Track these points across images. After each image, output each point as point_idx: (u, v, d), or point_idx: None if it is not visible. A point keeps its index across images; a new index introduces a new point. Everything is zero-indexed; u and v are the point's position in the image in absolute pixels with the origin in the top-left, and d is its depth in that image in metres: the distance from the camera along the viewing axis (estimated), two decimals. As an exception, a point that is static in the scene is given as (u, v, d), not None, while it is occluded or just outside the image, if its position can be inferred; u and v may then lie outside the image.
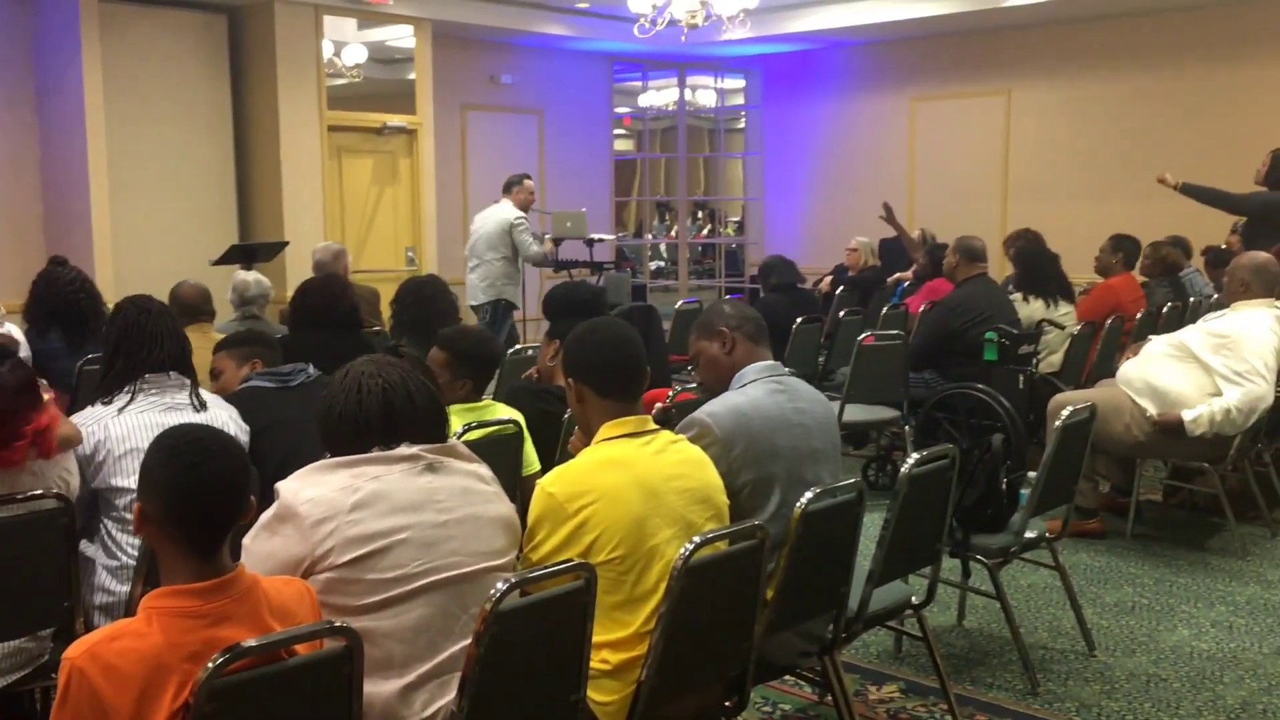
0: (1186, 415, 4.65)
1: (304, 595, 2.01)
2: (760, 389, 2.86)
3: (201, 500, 1.87)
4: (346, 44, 9.67)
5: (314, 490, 2.08)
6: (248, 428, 3.21)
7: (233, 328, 5.04)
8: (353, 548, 2.04)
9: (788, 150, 12.53)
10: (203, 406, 3.11)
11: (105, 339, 3.25)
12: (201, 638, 1.81)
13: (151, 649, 1.78)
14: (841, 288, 8.44)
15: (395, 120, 9.75)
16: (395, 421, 2.17)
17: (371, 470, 2.11)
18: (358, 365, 2.27)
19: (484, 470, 2.28)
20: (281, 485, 2.12)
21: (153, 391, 3.05)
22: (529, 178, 8.58)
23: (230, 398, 3.37)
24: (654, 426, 2.55)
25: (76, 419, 2.98)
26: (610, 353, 2.54)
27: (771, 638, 2.64)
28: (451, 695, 2.07)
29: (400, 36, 9.99)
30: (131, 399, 3.02)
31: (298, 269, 8.10)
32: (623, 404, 2.53)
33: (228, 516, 1.90)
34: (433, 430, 2.24)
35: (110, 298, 4.22)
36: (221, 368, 3.66)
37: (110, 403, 3.02)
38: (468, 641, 2.01)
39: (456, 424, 3.45)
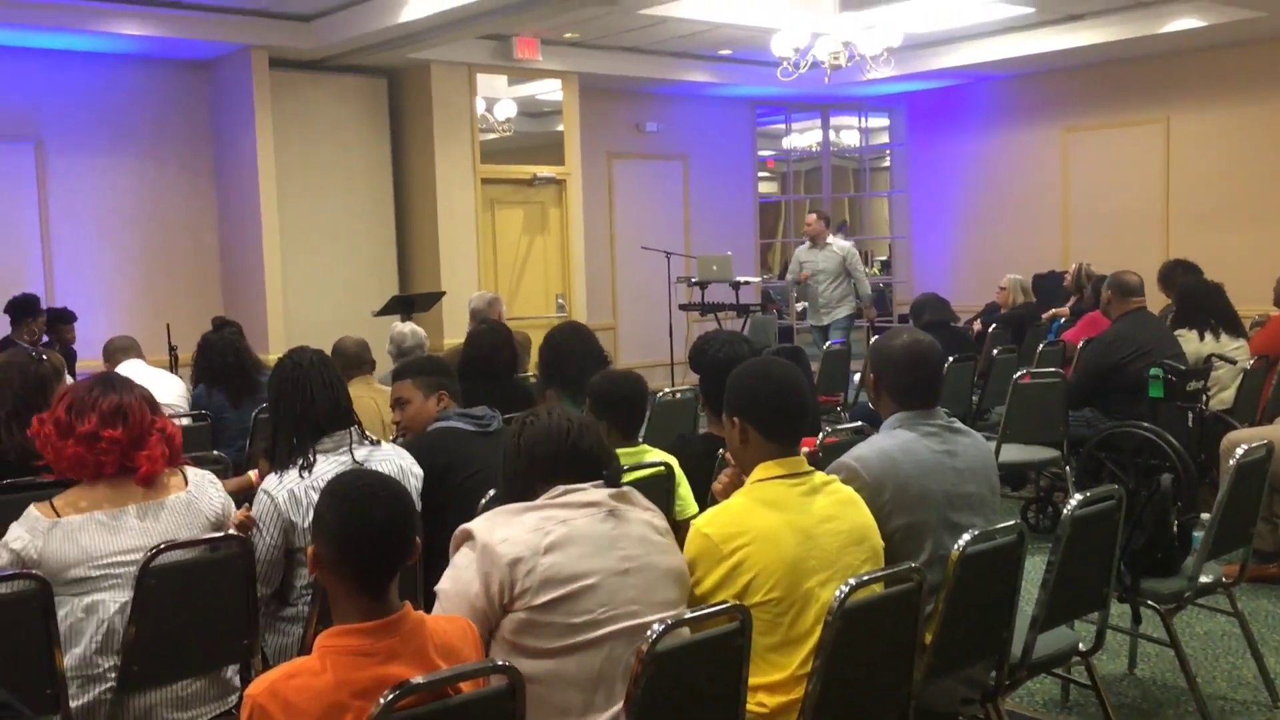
0: None
1: (467, 633, 2.08)
2: (910, 433, 2.81)
3: (369, 544, 1.96)
4: (498, 100, 9.99)
5: (507, 530, 2.17)
6: (421, 472, 3.29)
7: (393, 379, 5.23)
8: (548, 589, 2.11)
9: (934, 187, 12.35)
10: (374, 448, 3.21)
11: (269, 392, 3.40)
12: (372, 675, 1.88)
13: (326, 686, 1.86)
14: (994, 325, 8.25)
15: (545, 171, 10.02)
16: (583, 462, 2.27)
17: (559, 514, 2.20)
18: (545, 410, 2.36)
19: (659, 520, 2.34)
20: (472, 526, 2.20)
21: (331, 451, 3.15)
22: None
23: (428, 436, 3.48)
24: (808, 468, 2.54)
25: (268, 484, 3.09)
26: (781, 395, 2.55)
27: (931, 683, 2.59)
28: None
29: (548, 90, 10.28)
30: (313, 461, 3.13)
31: (454, 318, 8.37)
32: (784, 446, 2.53)
33: (394, 559, 1.99)
34: (611, 476, 2.31)
35: (281, 350, 4.43)
36: (408, 397, 3.68)
37: (294, 469, 3.09)
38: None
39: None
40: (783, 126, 13.95)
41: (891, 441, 2.79)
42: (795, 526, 2.40)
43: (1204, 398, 5.61)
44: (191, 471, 2.96)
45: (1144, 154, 10.62)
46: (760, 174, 13.34)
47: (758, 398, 2.56)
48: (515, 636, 2.11)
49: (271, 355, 5.03)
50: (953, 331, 7.25)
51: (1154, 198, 10.57)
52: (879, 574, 2.41)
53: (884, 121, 13.41)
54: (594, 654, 2.13)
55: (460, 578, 2.16)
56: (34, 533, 2.67)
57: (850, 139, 14.59)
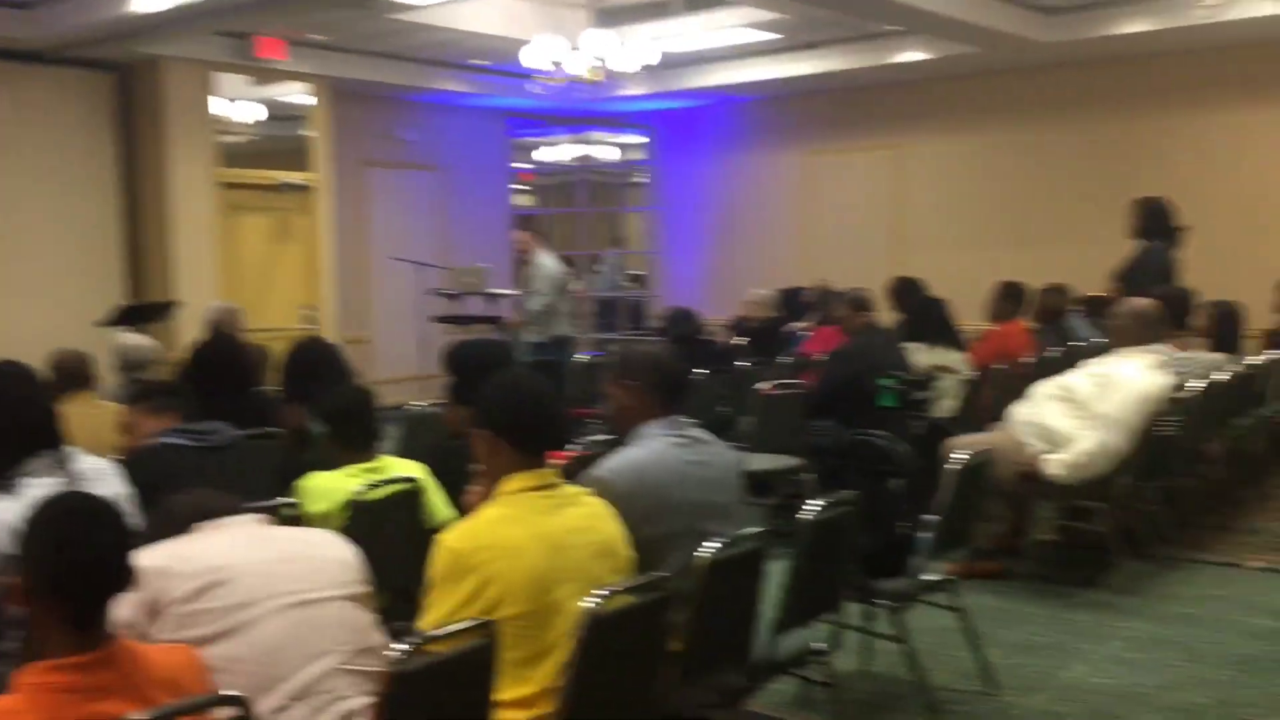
0: (1051, 461, 4.80)
1: (191, 663, 1.95)
2: (661, 443, 2.85)
3: (79, 571, 1.81)
4: (241, 101, 9.55)
5: (153, 551, 2.16)
6: (132, 490, 3.09)
7: (120, 393, 4.89)
8: (186, 581, 2.13)
9: (685, 204, 12.71)
10: (88, 470, 2.98)
11: None
12: (82, 713, 1.74)
13: (30, 727, 1.71)
14: (740, 338, 8.54)
15: (291, 177, 9.64)
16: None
17: (205, 533, 2.26)
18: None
19: (317, 532, 2.46)
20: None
21: (38, 474, 2.89)
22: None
23: (141, 453, 3.27)
24: (558, 480, 2.54)
25: None
26: (531, 407, 2.54)
27: (678, 690, 2.63)
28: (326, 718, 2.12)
29: (297, 94, 9.92)
30: (13, 488, 2.84)
31: (192, 329, 7.92)
32: (534, 458, 2.51)
33: (107, 588, 1.85)
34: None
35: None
36: (135, 423, 3.54)
37: (10, 495, 2.83)
38: (328, 663, 2.14)
39: (355, 484, 3.39)
40: (538, 140, 14.01)
41: (642, 452, 2.83)
42: (544, 538, 2.39)
43: (929, 407, 5.99)
44: None
45: (877, 178, 11.28)
46: (517, 187, 13.33)
47: (508, 410, 2.54)
48: (174, 635, 2.07)
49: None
50: (702, 344, 7.45)
51: (885, 219, 11.24)
52: (628, 584, 2.42)
53: (638, 138, 13.68)
54: (261, 629, 2.12)
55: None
56: None
57: (605, 154, 14.80)
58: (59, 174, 8.61)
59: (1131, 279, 6.74)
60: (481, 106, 11.56)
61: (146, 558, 2.10)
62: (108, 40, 8.11)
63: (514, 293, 9.14)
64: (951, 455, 3.90)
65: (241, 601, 2.13)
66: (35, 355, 3.64)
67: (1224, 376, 5.71)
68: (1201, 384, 5.40)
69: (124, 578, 1.87)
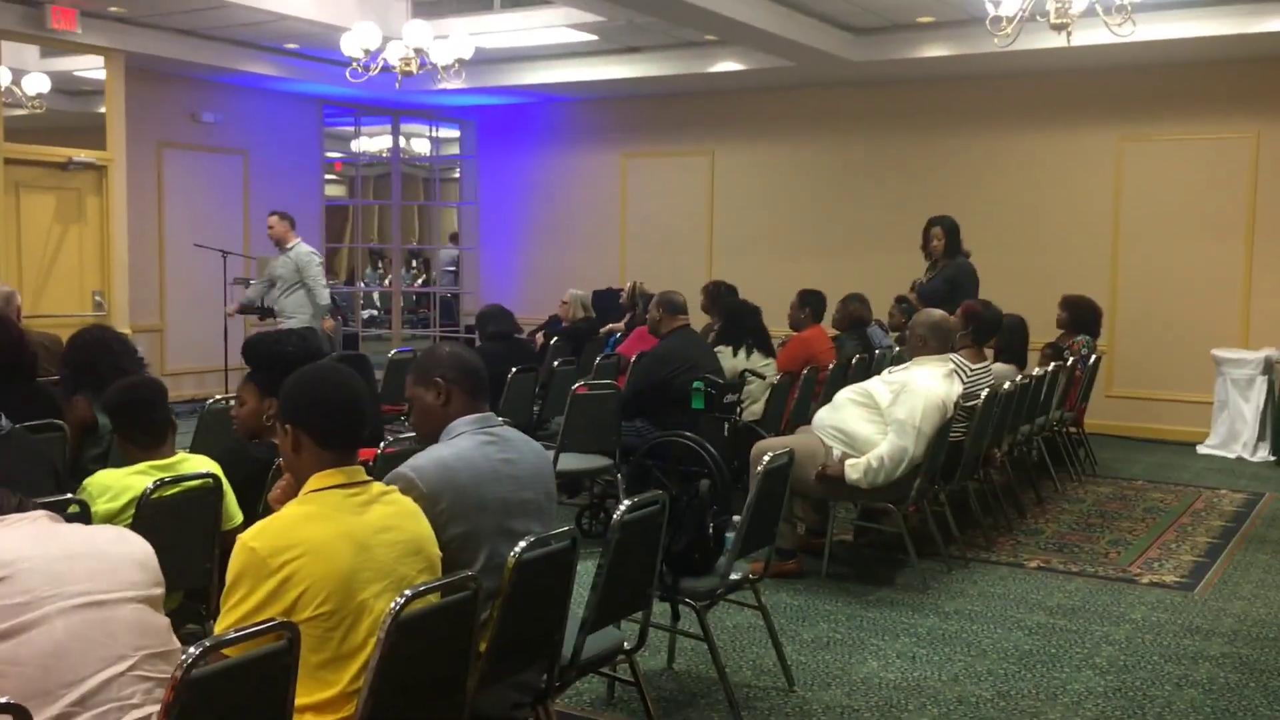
0: (848, 464, 5.00)
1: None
2: (469, 441, 2.82)
3: None
4: (27, 72, 8.95)
5: None
6: None
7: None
8: None
9: (503, 201, 12.63)
10: None
11: None
12: None
13: None
14: (555, 338, 8.55)
15: (82, 155, 9.10)
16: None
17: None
18: None
19: (109, 529, 2.35)
20: None
21: None
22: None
23: None
24: (366, 478, 2.48)
25: None
26: (337, 401, 2.47)
27: (485, 690, 2.61)
28: None
29: (90, 68, 9.36)
30: None
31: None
32: (341, 454, 2.44)
33: None
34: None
35: None
36: None
37: None
38: (120, 668, 2.04)
39: (146, 481, 3.23)
40: (353, 129, 13.66)
41: (449, 450, 2.79)
42: (350, 537, 2.33)
43: (738, 409, 6.14)
44: None
45: (692, 183, 11.48)
46: (328, 176, 12.97)
47: (313, 405, 2.46)
48: None
49: None
50: (516, 343, 7.43)
51: (700, 223, 11.45)
52: (435, 584, 2.38)
53: (455, 133, 13.52)
54: (46, 630, 2.01)
55: None
56: None
57: (421, 147, 14.57)
58: None
59: (952, 294, 7.00)
60: (294, 92, 11.19)
61: None
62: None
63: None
64: (760, 457, 3.99)
65: (24, 600, 2.01)
66: None
67: (1009, 387, 6.05)
68: (988, 393, 5.71)
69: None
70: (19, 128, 8.80)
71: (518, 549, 2.58)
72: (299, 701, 2.17)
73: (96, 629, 2.05)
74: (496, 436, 2.87)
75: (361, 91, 10.09)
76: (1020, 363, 7.14)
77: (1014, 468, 6.88)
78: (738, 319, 6.90)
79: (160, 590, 2.23)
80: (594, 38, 9.68)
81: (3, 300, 5.97)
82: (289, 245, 8.64)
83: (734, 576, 3.87)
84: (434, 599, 2.37)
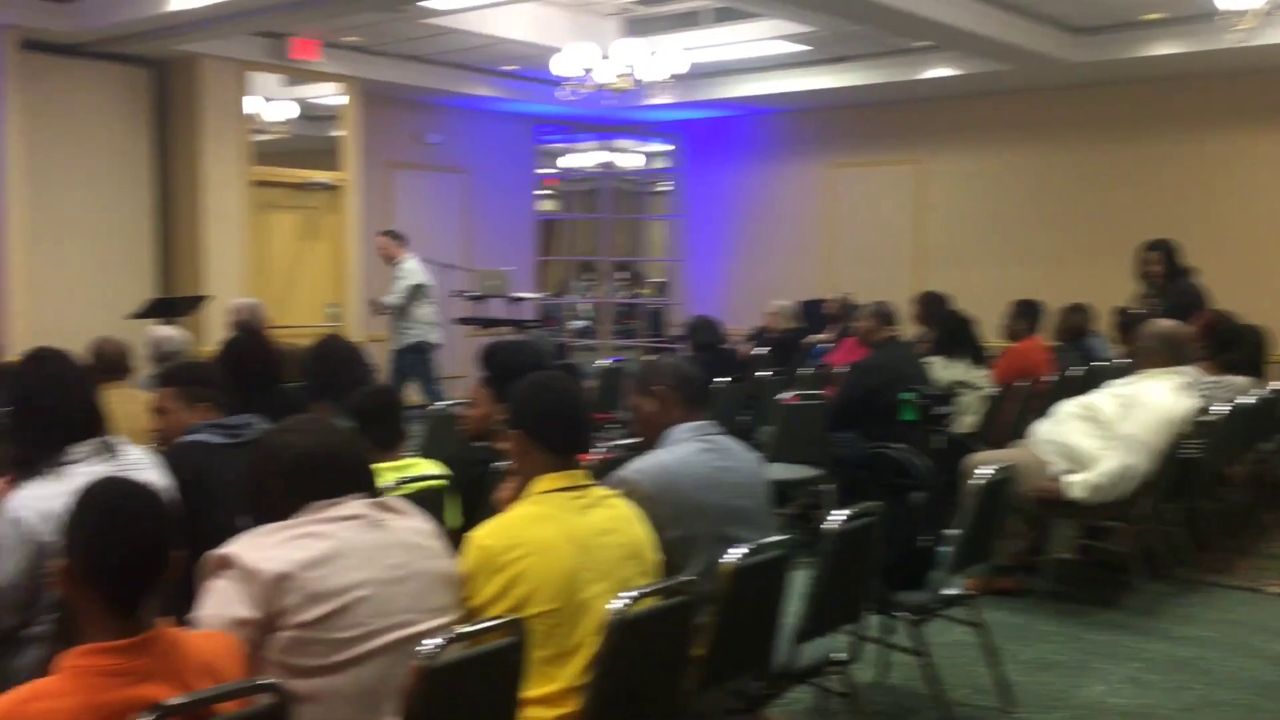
0: (1071, 480, 4.80)
1: (230, 650, 1.98)
2: (689, 447, 2.89)
3: (126, 557, 1.84)
4: (274, 100, 9.64)
5: (267, 549, 2.08)
6: (174, 483, 3.12)
7: (153, 384, 4.94)
8: (317, 605, 2.04)
9: (709, 214, 12.74)
10: (128, 459, 3.01)
11: (9, 395, 3.14)
12: (123, 696, 1.77)
13: (71, 709, 1.74)
14: (762, 348, 8.56)
15: (321, 177, 9.73)
16: (343, 476, 2.21)
17: (321, 529, 2.13)
18: (292, 424, 2.27)
19: (427, 525, 2.31)
20: (228, 550, 2.10)
21: (81, 461, 2.91)
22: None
23: (174, 449, 3.29)
24: (589, 482, 2.57)
25: (9, 503, 2.82)
26: (562, 408, 2.59)
27: (700, 694, 2.65)
28: None
29: (328, 94, 10.00)
30: (59, 474, 2.87)
31: (220, 323, 8.00)
32: (565, 459, 2.54)
33: (150, 574, 1.87)
34: (369, 486, 2.26)
35: (23, 350, 4.11)
36: (168, 407, 3.49)
37: (46, 480, 2.83)
38: None
39: (384, 480, 3.43)
40: (563, 146, 14.05)
41: (670, 455, 2.86)
42: (573, 538, 2.42)
43: (950, 422, 6.00)
44: None
45: (898, 191, 11.29)
46: (541, 192, 13.39)
47: (539, 410, 2.58)
48: (285, 656, 2.03)
49: (12, 358, 4.64)
50: (723, 354, 7.48)
51: (906, 233, 11.24)
52: (655, 587, 2.45)
53: (663, 147, 13.72)
54: (367, 668, 2.08)
55: (219, 602, 2.05)
56: None
57: (630, 162, 14.84)
58: (96, 168, 8.72)
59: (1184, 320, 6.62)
60: (509, 111, 11.63)
61: (266, 558, 2.04)
62: (146, 36, 8.20)
63: (537, 296, 9.17)
64: (973, 471, 3.90)
65: (357, 635, 2.07)
66: (68, 345, 3.67)
67: (1249, 401, 5.69)
68: (1226, 408, 5.39)
69: (163, 564, 1.90)
70: (266, 151, 9.49)
71: (736, 555, 2.61)
72: (527, 694, 2.27)
73: (401, 666, 2.07)
74: (715, 444, 2.92)
75: (572, 109, 10.39)
76: (1258, 375, 6.70)
77: (1254, 487, 6.45)
78: (954, 329, 6.74)
79: (459, 613, 2.27)
80: (807, 48, 9.66)
81: (250, 312, 6.46)
82: (398, 260, 8.86)
83: (949, 592, 3.79)
84: (653, 602, 2.44)
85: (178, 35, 8.19)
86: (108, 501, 1.88)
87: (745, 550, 2.65)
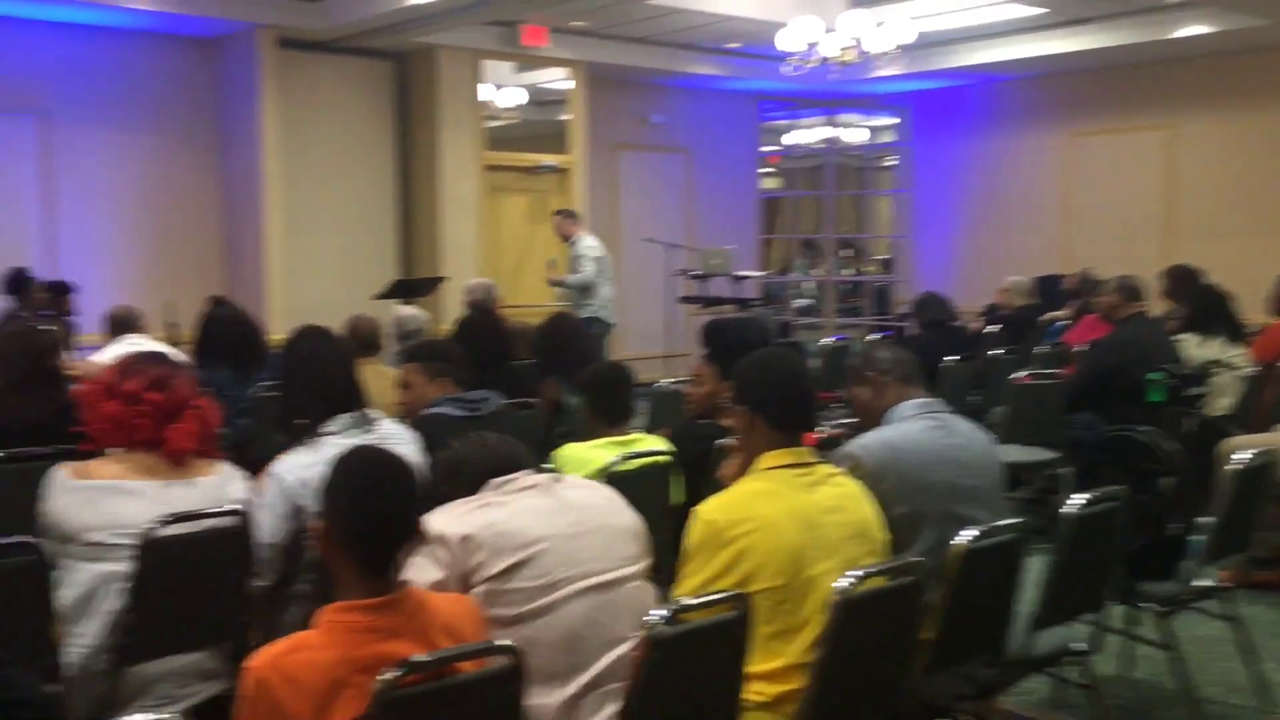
0: None
1: (471, 613, 2.08)
2: (915, 424, 2.83)
3: (377, 521, 1.96)
4: (504, 87, 9.97)
5: (456, 516, 2.24)
6: (425, 459, 3.27)
7: (395, 361, 5.23)
8: (500, 558, 2.18)
9: (938, 187, 12.35)
10: (384, 430, 3.19)
11: (279, 369, 3.38)
12: (374, 651, 1.88)
13: (328, 661, 1.86)
14: (994, 326, 8.25)
15: (549, 160, 10.00)
16: (510, 467, 2.37)
17: (501, 499, 2.28)
18: (459, 444, 2.48)
19: (600, 490, 2.47)
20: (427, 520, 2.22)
21: (341, 432, 3.11)
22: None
23: (417, 422, 3.47)
24: (814, 459, 2.55)
25: (277, 468, 3.04)
26: (789, 385, 2.57)
27: (929, 678, 2.59)
28: (613, 708, 2.13)
29: (556, 79, 10.26)
30: (319, 444, 3.07)
31: (455, 302, 8.37)
32: (790, 435, 2.53)
33: (400, 537, 1.99)
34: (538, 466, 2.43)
35: (281, 329, 4.41)
36: (412, 381, 3.70)
37: (307, 449, 3.03)
38: (622, 650, 2.16)
39: (608, 455, 3.51)
40: (787, 123, 13.93)
41: (894, 432, 2.81)
42: (798, 515, 2.41)
43: (1203, 404, 5.62)
44: (224, 464, 2.94)
45: (1148, 160, 10.62)
46: (764, 169, 13.33)
47: (765, 387, 2.57)
48: (484, 610, 2.14)
49: (272, 337, 5.00)
50: (951, 331, 7.25)
51: (1155, 203, 10.58)
52: (882, 566, 2.41)
53: (889, 120, 13.40)
54: (562, 614, 2.18)
55: (418, 569, 2.17)
56: (59, 489, 2.67)
57: (855, 137, 14.57)
58: (343, 158, 9.26)
59: None
60: (733, 89, 11.61)
61: (453, 523, 2.21)
62: (388, 30, 8.64)
63: (760, 274, 9.14)
64: (1230, 456, 3.64)
65: (547, 583, 2.18)
66: (321, 323, 3.91)
67: None
68: None
69: (414, 529, 2.01)
70: (496, 136, 9.83)
71: (966, 537, 2.54)
72: (751, 669, 2.28)
73: (604, 611, 2.21)
74: (942, 421, 2.85)
75: (797, 85, 10.28)
76: None
77: None
78: (1209, 304, 6.30)
79: (649, 561, 2.38)
80: (1043, 10, 9.22)
81: (483, 292, 6.71)
82: (575, 239, 8.83)
83: (1201, 583, 3.56)
84: (880, 581, 2.40)
85: (418, 28, 8.58)
86: (363, 471, 2.01)
87: (976, 532, 2.56)
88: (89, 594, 2.66)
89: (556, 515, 2.27)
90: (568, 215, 8.95)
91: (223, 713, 2.55)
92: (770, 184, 14.46)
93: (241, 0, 8.24)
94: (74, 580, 2.67)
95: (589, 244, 8.79)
